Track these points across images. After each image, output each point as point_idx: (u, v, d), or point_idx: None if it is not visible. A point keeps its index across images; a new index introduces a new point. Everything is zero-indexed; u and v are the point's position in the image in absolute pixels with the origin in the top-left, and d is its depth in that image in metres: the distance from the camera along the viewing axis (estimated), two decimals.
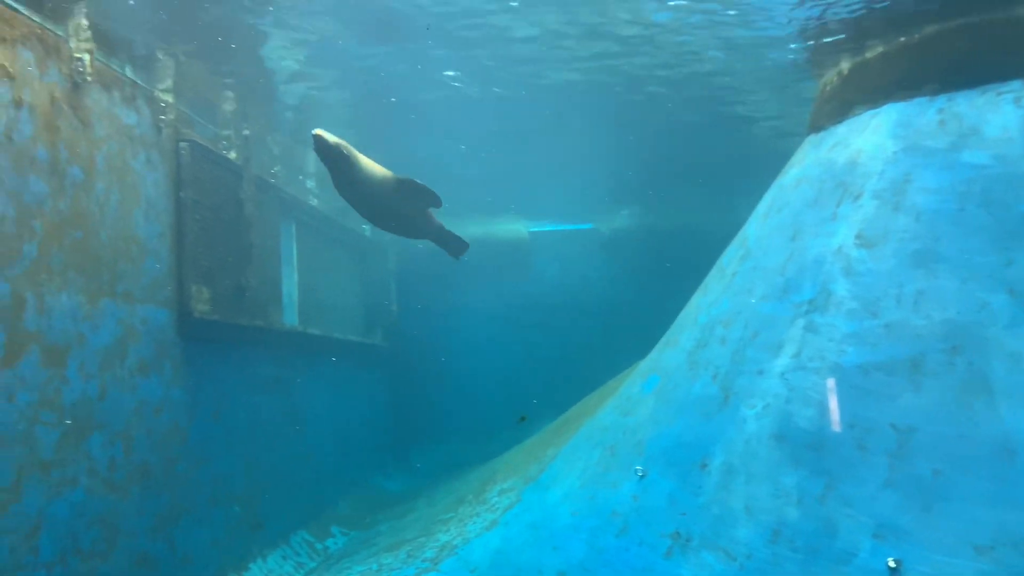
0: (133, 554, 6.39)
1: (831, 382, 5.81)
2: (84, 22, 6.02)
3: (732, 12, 7.01)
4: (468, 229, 16.75)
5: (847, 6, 6.79)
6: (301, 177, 12.10)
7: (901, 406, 5.44)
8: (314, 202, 12.27)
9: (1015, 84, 6.00)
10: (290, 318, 10.97)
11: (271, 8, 6.91)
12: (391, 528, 9.82)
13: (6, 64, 5.21)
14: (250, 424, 8.92)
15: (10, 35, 5.28)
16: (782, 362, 6.13)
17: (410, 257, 16.39)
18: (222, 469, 8.11)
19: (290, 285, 11.16)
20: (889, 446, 5.36)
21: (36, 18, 5.63)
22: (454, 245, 8.50)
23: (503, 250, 16.49)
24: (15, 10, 5.40)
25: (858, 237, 6.16)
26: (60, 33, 5.89)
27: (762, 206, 7.56)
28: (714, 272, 7.70)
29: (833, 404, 5.73)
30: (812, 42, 7.74)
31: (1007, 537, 4.74)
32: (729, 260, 7.48)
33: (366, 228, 15.31)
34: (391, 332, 15.50)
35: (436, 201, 7.72)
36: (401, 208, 7.53)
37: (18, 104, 5.33)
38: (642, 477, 6.59)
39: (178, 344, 7.34)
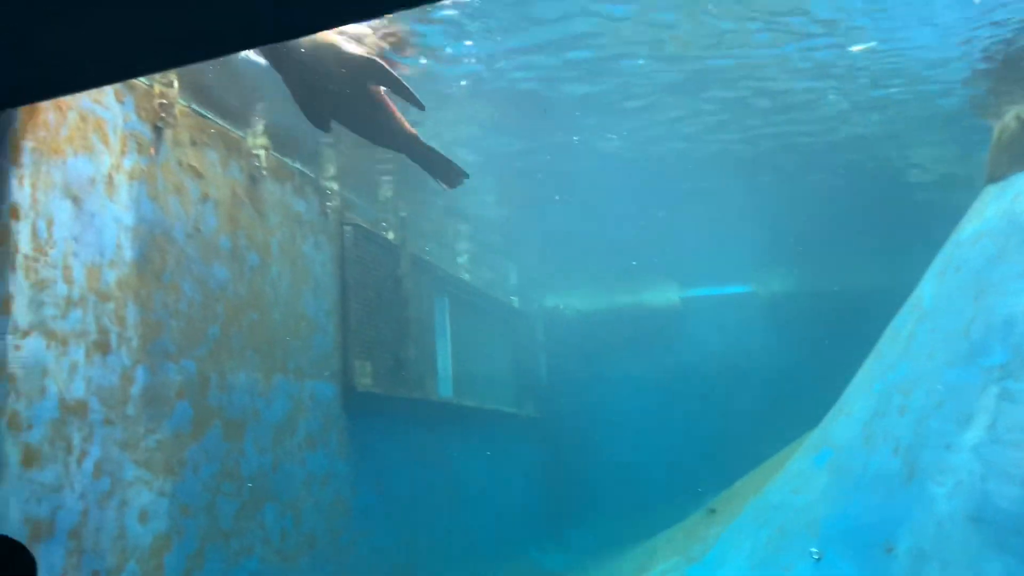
0: None
1: None
2: (260, 122, 6.59)
3: (892, 62, 6.68)
4: (619, 297, 16.72)
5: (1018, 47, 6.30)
6: (453, 254, 12.51)
7: None
8: (465, 276, 12.62)
9: None
10: (445, 390, 11.20)
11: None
12: None
13: (196, 165, 5.77)
14: (409, 496, 9.08)
15: (200, 139, 5.86)
16: (974, 434, 5.55)
17: (558, 327, 16.42)
18: (383, 541, 8.25)
19: (444, 358, 11.43)
20: None
21: (220, 121, 6.22)
22: (444, 170, 6.21)
23: (653, 317, 16.16)
24: (204, 116, 5.99)
25: None
26: (240, 133, 6.47)
27: (937, 264, 7.02)
28: (888, 336, 7.17)
29: None
30: (981, 89, 7.22)
31: None
32: (904, 322, 6.95)
33: (515, 299, 15.55)
34: (542, 403, 15.46)
35: (410, 97, 5.63)
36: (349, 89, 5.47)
37: (205, 199, 5.85)
38: (818, 560, 6.10)
39: (342, 417, 7.63)
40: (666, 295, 16.48)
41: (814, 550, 6.14)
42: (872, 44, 6.46)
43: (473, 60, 6.47)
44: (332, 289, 7.75)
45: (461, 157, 8.74)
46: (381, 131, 5.95)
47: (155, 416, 5.12)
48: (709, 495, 9.78)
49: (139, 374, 5.00)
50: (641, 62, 6.63)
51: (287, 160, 7.24)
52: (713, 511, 6.21)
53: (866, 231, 12.66)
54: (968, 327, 6.06)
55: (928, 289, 6.87)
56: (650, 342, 15.74)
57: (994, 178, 6.81)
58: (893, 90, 7.52)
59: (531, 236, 12.65)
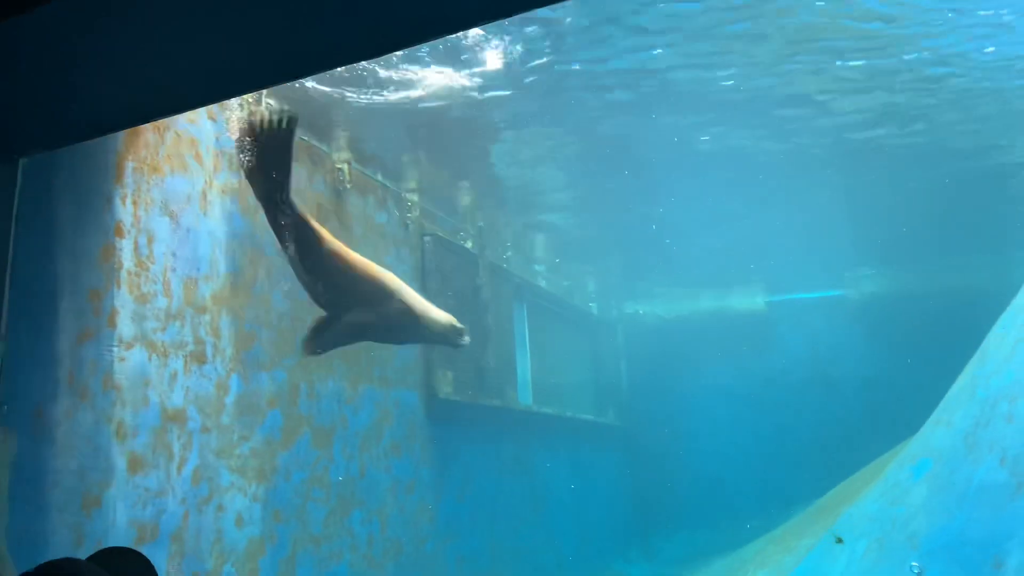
0: None
1: None
2: (343, 136, 6.76)
3: (993, 49, 6.36)
4: (702, 303, 16.38)
5: None
6: (530, 262, 12.54)
7: None
8: (543, 284, 12.62)
9: None
10: (524, 398, 11.21)
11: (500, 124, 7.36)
12: None
13: None
14: (492, 503, 9.11)
15: None
16: None
17: (638, 333, 16.23)
18: (467, 549, 8.30)
19: (524, 365, 11.45)
20: None
21: (305, 137, 6.41)
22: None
23: (738, 323, 15.77)
24: None
25: None
26: (325, 148, 6.65)
27: None
28: (992, 339, 6.79)
29: None
30: None
31: None
32: (1010, 326, 6.57)
33: (593, 306, 15.45)
34: (623, 411, 15.30)
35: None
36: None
37: None
38: (920, 575, 5.81)
39: (426, 425, 7.73)
40: (752, 299, 16.06)
41: (915, 564, 5.86)
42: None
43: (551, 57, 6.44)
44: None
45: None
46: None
47: (248, 424, 5.29)
48: (799, 506, 9.47)
49: (233, 383, 5.18)
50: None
51: (369, 173, 7.40)
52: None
53: (966, 229, 12.03)
54: None
55: None
56: (735, 348, 15.37)
57: None
58: (991, 83, 7.16)
59: (610, 242, 12.55)
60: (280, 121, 4.53)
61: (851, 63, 6.55)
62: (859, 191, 10.14)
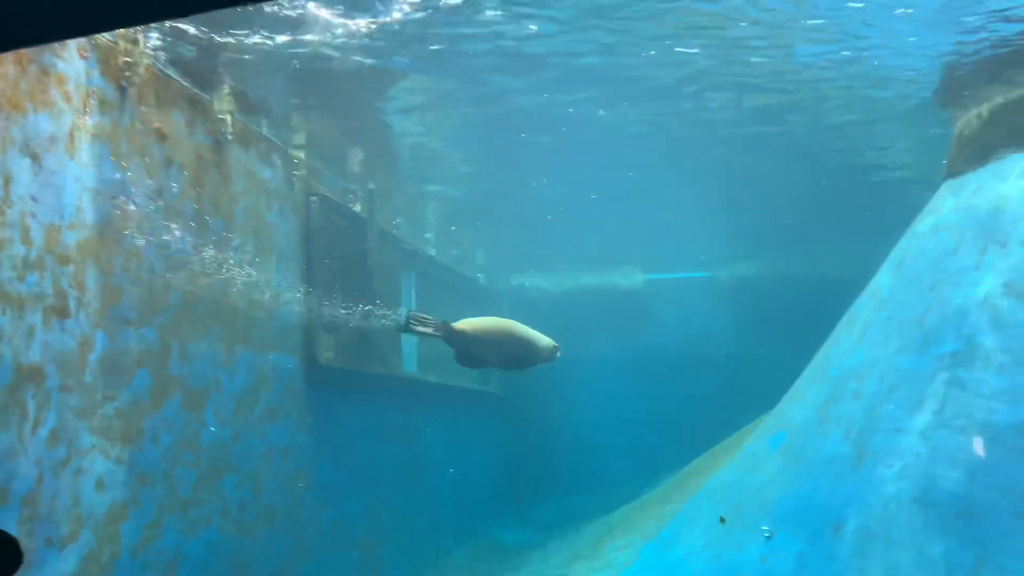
0: None
1: (981, 442, 5.36)
2: (227, 85, 6.48)
3: (864, 54, 6.77)
4: (585, 278, 16.81)
5: (987, 43, 6.43)
6: (421, 229, 12.47)
7: None
8: (432, 252, 12.59)
9: None
10: (409, 366, 11.20)
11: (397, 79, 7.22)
12: None
13: (161, 127, 5.66)
14: (370, 470, 9.09)
15: (165, 100, 5.74)
16: (923, 419, 5.72)
17: (524, 306, 16.48)
18: (343, 514, 8.27)
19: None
20: None
21: (186, 83, 6.10)
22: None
23: (618, 299, 16.31)
24: (169, 77, 5.87)
25: (1007, 287, 5.72)
26: (206, 96, 6.35)
27: (895, 255, 7.18)
28: (845, 323, 7.33)
29: (983, 467, 5.27)
30: (947, 84, 7.37)
31: None
32: (861, 310, 7.10)
33: (481, 277, 15.56)
34: (506, 381, 15.53)
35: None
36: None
37: (169, 162, 5.75)
38: (769, 538, 6.25)
39: (305, 390, 7.60)
40: (632, 278, 16.64)
41: (765, 528, 6.30)
42: (846, 53, 6.56)
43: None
44: (296, 260, 7.68)
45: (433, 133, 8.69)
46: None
47: (113, 384, 5.05)
48: (667, 473, 9.96)
49: (98, 340, 4.93)
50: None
51: (254, 126, 7.13)
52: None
53: (829, 222, 12.92)
54: (923, 317, 6.22)
55: (886, 279, 7.03)
56: (614, 323, 15.89)
57: (953, 174, 6.96)
58: (860, 90, 7.65)
59: (500, 215, 12.66)
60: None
61: (725, 59, 6.81)
62: (733, 180, 10.67)
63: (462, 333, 7.67)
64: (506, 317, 16.26)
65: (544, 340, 8.11)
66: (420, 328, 7.73)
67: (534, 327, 16.70)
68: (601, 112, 7.98)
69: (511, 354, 7.96)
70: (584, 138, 8.85)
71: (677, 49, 6.61)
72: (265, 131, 7.37)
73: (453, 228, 12.81)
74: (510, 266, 16.43)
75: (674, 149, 9.41)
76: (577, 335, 15.77)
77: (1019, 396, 5.32)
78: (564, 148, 9.16)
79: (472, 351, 7.73)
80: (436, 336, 7.74)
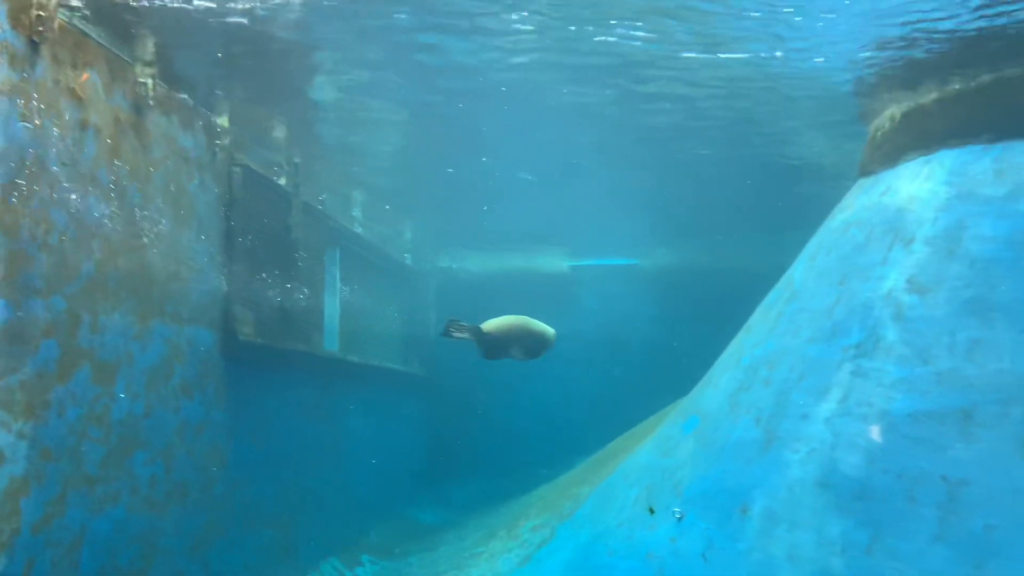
0: (169, 573, 6.42)
1: (879, 430, 5.67)
2: (149, 48, 6.23)
3: (780, 54, 6.99)
4: (511, 262, 16.92)
5: (902, 51, 6.73)
6: (347, 206, 12.29)
7: (952, 457, 5.28)
8: (359, 230, 12.42)
9: None
10: (331, 344, 11.06)
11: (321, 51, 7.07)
12: (422, 560, 9.75)
13: (76, 87, 5.40)
14: (287, 448, 8.97)
15: (81, 60, 5.48)
16: (828, 407, 6.01)
17: (450, 288, 16.48)
18: (258, 493, 8.14)
19: (332, 311, 11.27)
20: (939, 498, 5.20)
21: (104, 43, 5.84)
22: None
23: (543, 284, 16.49)
24: (87, 36, 5.61)
25: (909, 282, 6.05)
26: (126, 58, 6.09)
27: (809, 249, 7.48)
28: (759, 313, 7.60)
29: (881, 453, 5.58)
30: (866, 88, 7.69)
31: None
32: (774, 301, 7.38)
33: (407, 256, 15.46)
34: (429, 362, 15.53)
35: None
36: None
37: (84, 125, 5.50)
38: (680, 519, 6.47)
39: (221, 366, 7.43)
40: (557, 263, 16.83)
41: (676, 510, 6.51)
42: (771, 53, 6.76)
43: None
44: (217, 232, 7.48)
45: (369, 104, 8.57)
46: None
47: (17, 354, 4.84)
48: (585, 455, 10.16)
49: (1, 309, 4.70)
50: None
51: (176, 92, 6.89)
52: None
53: (749, 215, 13.33)
54: (832, 309, 6.51)
55: (799, 271, 7.32)
56: (538, 307, 16.02)
57: (866, 172, 7.29)
58: (781, 89, 7.90)
59: (428, 195, 12.58)
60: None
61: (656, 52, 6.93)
62: (658, 171, 10.91)
63: (489, 334, 8.73)
64: (432, 298, 16.37)
65: (549, 330, 8.96)
66: (457, 334, 8.73)
67: (457, 310, 16.86)
68: (534, 91, 8.01)
69: (529, 347, 8.90)
70: (517, 117, 8.87)
71: (610, 37, 6.69)
72: (188, 98, 7.12)
73: (387, 207, 12.68)
74: (438, 247, 16.39)
75: (603, 137, 9.55)
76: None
77: (916, 387, 5.64)
78: (497, 126, 9.16)
79: (498, 349, 8.78)
80: (471, 339, 8.80)
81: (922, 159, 6.63)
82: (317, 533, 9.59)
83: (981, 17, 5.99)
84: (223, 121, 7.58)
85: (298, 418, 9.40)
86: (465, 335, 8.73)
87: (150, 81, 6.25)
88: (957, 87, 6.68)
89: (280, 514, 8.68)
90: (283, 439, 8.86)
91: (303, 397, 9.60)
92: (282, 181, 8.92)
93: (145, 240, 6.25)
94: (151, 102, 6.30)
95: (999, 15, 5.94)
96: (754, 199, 12.28)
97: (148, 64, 6.26)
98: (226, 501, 7.45)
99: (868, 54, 6.84)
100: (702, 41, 6.72)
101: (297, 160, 9.19)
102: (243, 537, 7.78)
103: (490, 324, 8.84)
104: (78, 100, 5.43)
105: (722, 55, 7.01)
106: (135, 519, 5.98)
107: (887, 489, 5.40)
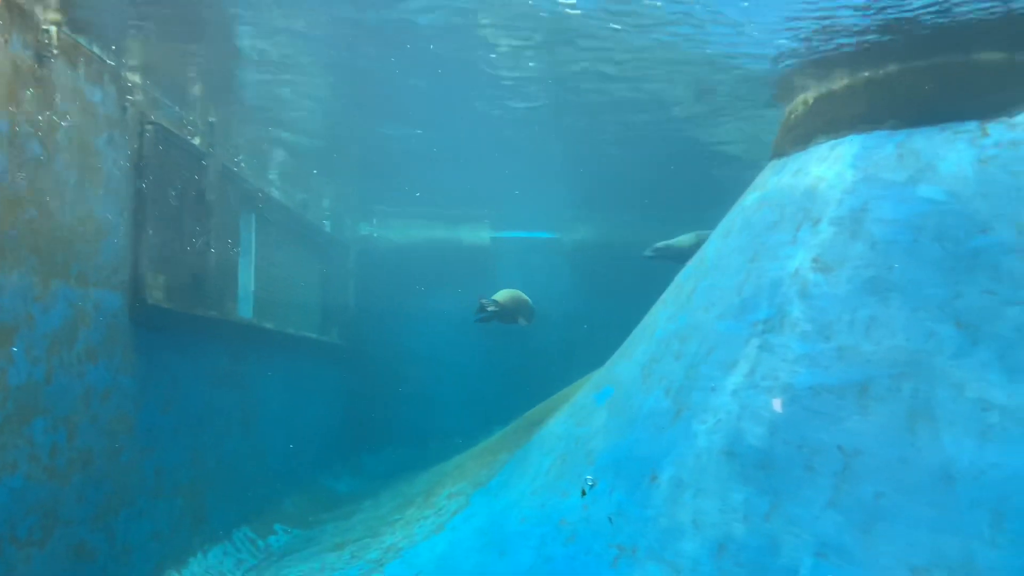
0: (71, 544, 6.22)
1: (782, 402, 5.94)
2: None
3: (701, 33, 7.14)
4: (432, 232, 16.86)
5: (820, 38, 6.97)
6: (264, 169, 11.96)
7: (848, 429, 5.59)
8: (276, 194, 12.12)
9: (971, 125, 6.24)
10: (245, 311, 10.81)
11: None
12: (336, 528, 9.72)
13: None
14: (199, 416, 8.76)
15: None
16: (735, 380, 6.26)
17: (370, 257, 16.31)
18: (167, 460, 7.95)
19: (247, 277, 11.00)
20: (835, 467, 5.50)
21: None
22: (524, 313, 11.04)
23: (464, 255, 16.51)
24: None
25: (815, 261, 6.33)
26: (27, 3, 5.74)
27: (723, 226, 7.72)
28: (672, 288, 7.82)
29: (783, 424, 5.86)
30: (780, 71, 7.93)
31: (943, 561, 4.90)
32: (688, 277, 7.60)
33: (327, 223, 15.20)
34: (348, 331, 15.37)
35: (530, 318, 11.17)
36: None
37: None
38: (592, 486, 6.65)
39: (130, 331, 7.18)
40: (478, 234, 16.86)
41: (589, 478, 6.69)
42: (687, 30, 6.89)
43: None
44: (126, 192, 7.18)
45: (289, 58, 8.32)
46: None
47: None
48: (502, 425, 10.30)
49: None
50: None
51: (83, 42, 6.53)
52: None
53: (667, 191, 13.63)
54: (742, 285, 6.76)
55: (712, 248, 7.55)
56: (459, 278, 16.07)
57: (779, 154, 7.55)
58: (700, 72, 8.08)
59: (350, 160, 12.37)
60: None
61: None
62: (574, 147, 11.07)
63: (505, 306, 10.84)
64: (352, 266, 16.21)
65: (525, 297, 11.16)
66: (490, 307, 10.62)
67: (377, 279, 16.79)
68: (461, 56, 7.96)
69: (527, 314, 11.05)
70: (443, 84, 8.80)
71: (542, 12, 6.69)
72: (97, 49, 6.77)
73: (315, 172, 12.40)
74: (358, 214, 16.16)
75: (530, 108, 9.57)
76: (421, 288, 15.88)
77: (817, 361, 5.93)
78: (422, 92, 9.06)
79: (511, 317, 10.85)
80: (496, 311, 10.69)
81: (831, 142, 6.91)
82: (229, 502, 9.43)
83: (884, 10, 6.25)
84: (135, 76, 7.25)
85: (210, 385, 9.18)
86: (491, 309, 10.59)
87: (54, 29, 5.91)
88: (866, 75, 6.96)
89: (191, 482, 8.50)
90: (194, 406, 8.65)
91: (216, 364, 9.38)
92: (197, 141, 8.61)
93: (47, 198, 5.95)
94: (55, 51, 5.96)
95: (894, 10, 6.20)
96: (673, 176, 12.57)
97: (52, 11, 5.91)
98: (133, 469, 7.24)
99: (783, 42, 7.05)
100: (625, 18, 6.79)
101: (213, 119, 8.87)
102: (151, 506, 7.59)
103: (501, 296, 10.92)
104: None
105: (642, 32, 7.10)
106: (34, 488, 5.76)
107: (787, 458, 5.69)
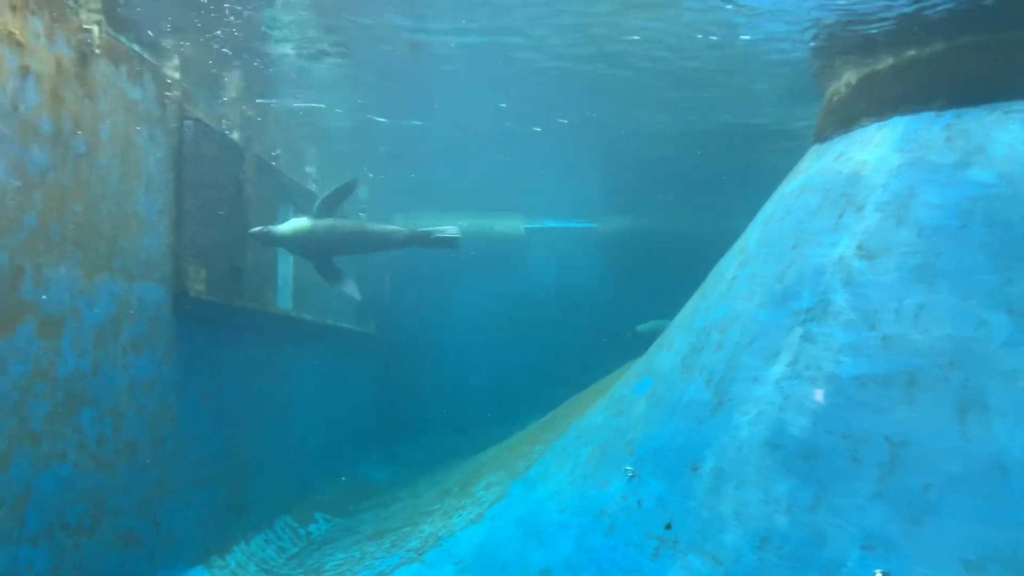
0: (118, 531, 6.35)
1: (826, 392, 5.83)
2: None
3: (741, 17, 7.00)
4: (464, 223, 16.85)
5: (859, 17, 6.79)
6: (301, 162, 12.05)
7: (895, 419, 5.46)
8: (313, 187, 12.21)
9: (1023, 104, 6.03)
10: (284, 302, 10.93)
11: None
12: (375, 517, 9.80)
13: (15, 31, 5.15)
14: (240, 406, 8.88)
15: (20, 2, 5.23)
16: (778, 370, 6.15)
17: (406, 249, 16.36)
18: (210, 450, 8.07)
19: (285, 269, 11.11)
20: (881, 458, 5.38)
21: None
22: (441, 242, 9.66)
23: (498, 245, 16.48)
24: None
25: (859, 248, 6.18)
26: (70, 3, 5.83)
27: (763, 213, 7.58)
28: (712, 277, 7.70)
29: (827, 414, 5.74)
30: (821, 52, 7.75)
31: (996, 555, 4.77)
32: (728, 265, 7.49)
33: (363, 215, 15.29)
34: (384, 322, 15.46)
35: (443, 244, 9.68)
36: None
37: (25, 72, 5.27)
38: (632, 478, 6.60)
39: (172, 323, 7.29)
40: (513, 225, 16.82)
41: (628, 468, 6.64)
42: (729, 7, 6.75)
43: None
44: (167, 187, 7.28)
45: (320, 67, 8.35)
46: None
47: None
48: (537, 415, 10.28)
49: None
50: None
51: (124, 41, 6.62)
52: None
53: (707, 179, 13.45)
54: (784, 273, 6.63)
55: (753, 236, 7.42)
56: (494, 269, 16.07)
57: (821, 138, 7.38)
58: (737, 54, 7.93)
59: (383, 153, 12.41)
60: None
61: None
62: (611, 135, 10.94)
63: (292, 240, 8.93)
64: (387, 258, 16.25)
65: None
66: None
67: (413, 268, 16.78)
68: (494, 51, 7.92)
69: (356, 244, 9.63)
70: (483, 76, 8.77)
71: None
72: (137, 48, 6.86)
73: (369, 172, 12.47)
74: (392, 207, 16.23)
75: (562, 99, 9.50)
76: (456, 278, 15.91)
77: (862, 351, 5.80)
78: (458, 84, 9.05)
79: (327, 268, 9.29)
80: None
81: (875, 125, 6.73)
82: (270, 491, 9.56)
83: None
84: (174, 72, 7.33)
85: (250, 376, 9.30)
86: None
87: (96, 28, 5.99)
88: (912, 53, 6.76)
89: (233, 472, 8.63)
90: (235, 397, 8.77)
91: (255, 355, 9.49)
92: (235, 135, 8.69)
93: (91, 193, 6.05)
94: (97, 51, 6.05)
95: None
96: (711, 164, 12.39)
97: (94, 11, 6.00)
98: (177, 459, 7.37)
99: (825, 16, 6.87)
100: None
101: (250, 114, 8.95)
102: (195, 495, 7.72)
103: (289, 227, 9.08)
104: (17, 45, 5.19)
105: (678, 18, 6.98)
106: (82, 477, 5.88)
107: (832, 449, 5.57)
